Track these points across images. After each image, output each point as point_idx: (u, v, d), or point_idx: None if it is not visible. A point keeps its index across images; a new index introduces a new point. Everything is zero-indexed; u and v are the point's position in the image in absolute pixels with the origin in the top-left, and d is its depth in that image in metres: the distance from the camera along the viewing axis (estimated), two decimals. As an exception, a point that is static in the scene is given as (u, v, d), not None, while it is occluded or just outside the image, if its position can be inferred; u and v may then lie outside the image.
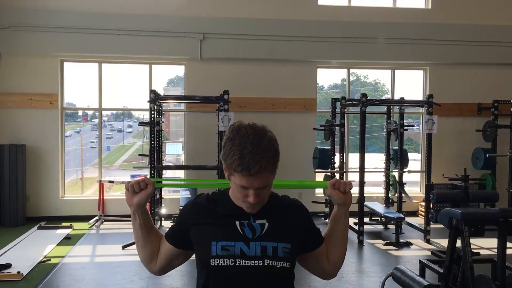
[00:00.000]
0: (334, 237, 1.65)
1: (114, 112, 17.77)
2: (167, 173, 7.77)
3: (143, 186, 1.55)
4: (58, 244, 6.13)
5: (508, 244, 3.78)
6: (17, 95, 7.54)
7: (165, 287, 4.72)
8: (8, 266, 5.04)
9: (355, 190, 6.51)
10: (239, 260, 1.46)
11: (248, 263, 1.46)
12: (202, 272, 1.53)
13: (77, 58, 7.93)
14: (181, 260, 1.66)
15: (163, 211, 7.38)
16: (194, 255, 1.61)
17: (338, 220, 1.64)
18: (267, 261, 1.47)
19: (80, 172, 13.41)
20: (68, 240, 6.36)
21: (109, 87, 8.51)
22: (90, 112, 11.51)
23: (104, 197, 7.75)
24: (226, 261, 1.46)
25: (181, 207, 7.11)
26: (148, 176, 1.59)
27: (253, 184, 1.42)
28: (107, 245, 6.37)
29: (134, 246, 5.99)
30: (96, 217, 7.47)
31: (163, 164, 7.61)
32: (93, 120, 15.00)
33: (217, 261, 1.46)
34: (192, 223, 1.56)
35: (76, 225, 7.16)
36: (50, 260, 5.46)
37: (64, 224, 7.20)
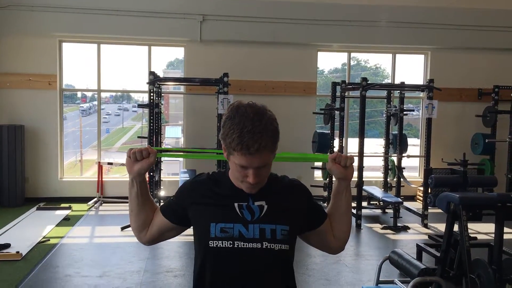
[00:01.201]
0: (337, 212, 1.65)
1: (113, 94, 17.67)
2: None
3: (145, 154, 1.54)
4: (57, 225, 6.16)
5: (505, 229, 3.80)
6: (15, 75, 7.49)
7: (164, 268, 4.75)
8: (7, 246, 5.06)
9: (354, 175, 6.52)
10: (238, 242, 1.46)
11: (246, 245, 1.46)
12: (200, 252, 1.53)
13: (75, 39, 7.87)
14: (173, 234, 1.66)
15: (162, 193, 7.39)
16: (189, 236, 1.61)
17: (340, 195, 1.63)
18: (265, 244, 1.46)
19: (79, 154, 13.41)
20: (67, 221, 6.39)
21: (108, 69, 8.46)
22: (89, 94, 11.44)
23: (103, 179, 7.76)
24: (225, 243, 1.46)
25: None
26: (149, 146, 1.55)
27: (252, 163, 1.41)
28: (106, 226, 6.40)
29: (130, 222, 6.02)
30: (95, 199, 7.49)
31: (163, 147, 7.60)
32: (81, 106, 14.87)
33: (215, 242, 1.46)
34: (192, 201, 1.56)
35: (75, 206, 7.18)
36: (49, 240, 5.48)
37: (63, 205, 7.23)
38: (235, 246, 1.46)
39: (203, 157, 1.43)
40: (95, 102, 14.86)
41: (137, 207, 1.61)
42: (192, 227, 1.59)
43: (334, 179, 1.65)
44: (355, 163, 1.69)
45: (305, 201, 1.60)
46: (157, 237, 1.66)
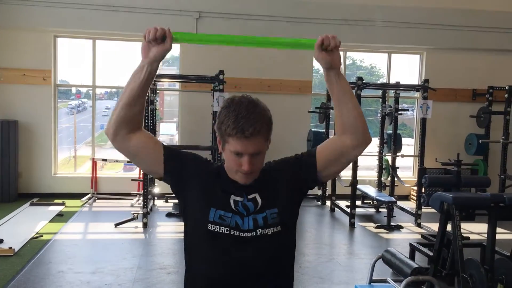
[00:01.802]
0: (339, 100, 1.55)
1: (108, 90, 17.61)
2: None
3: (159, 35, 1.46)
4: (50, 221, 6.13)
5: (498, 229, 3.82)
6: (9, 70, 7.45)
7: (157, 265, 4.75)
8: (0, 241, 5.04)
9: (348, 174, 6.54)
10: (234, 231, 1.49)
11: (242, 234, 1.49)
12: (197, 235, 1.53)
13: (70, 34, 7.83)
14: (148, 168, 1.59)
15: (156, 190, 7.38)
16: (183, 233, 1.61)
17: (333, 84, 1.54)
18: (259, 231, 1.50)
19: (73, 150, 13.34)
20: (61, 217, 6.36)
21: (103, 65, 8.42)
22: (84, 90, 11.38)
23: (97, 175, 7.74)
24: (222, 228, 1.49)
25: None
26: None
27: (247, 148, 1.43)
28: (99, 222, 6.38)
29: (127, 225, 6.02)
30: (89, 195, 7.46)
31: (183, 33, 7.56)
32: (69, 103, 14.71)
33: (213, 226, 1.49)
34: (200, 175, 1.55)
35: (69, 202, 7.15)
36: (42, 236, 5.46)
37: (56, 201, 7.20)
38: (231, 233, 1.49)
39: (226, 43, 1.32)
40: (84, 99, 14.68)
41: (134, 95, 1.48)
42: (181, 199, 1.56)
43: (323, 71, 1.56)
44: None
45: (287, 167, 1.59)
46: (131, 151, 1.53)
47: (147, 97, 6.38)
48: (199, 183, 1.54)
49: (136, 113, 1.50)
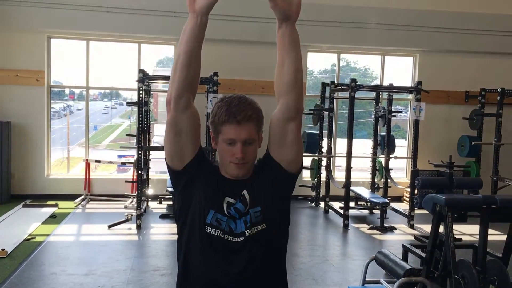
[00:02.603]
0: (285, 49, 1.52)
1: (102, 91, 17.56)
2: (154, 154, 7.73)
3: None
4: (43, 223, 6.10)
5: (490, 231, 3.85)
6: (3, 71, 7.41)
7: (151, 266, 4.74)
8: (-8, 243, 5.01)
9: (341, 175, 6.56)
10: (227, 236, 1.52)
11: (234, 239, 1.52)
12: (191, 233, 1.54)
13: (64, 35, 7.80)
14: (179, 145, 1.51)
15: (150, 192, 7.37)
16: (176, 235, 1.62)
17: (284, 36, 1.50)
18: (248, 232, 1.52)
19: (67, 151, 13.29)
20: (54, 219, 6.33)
21: (97, 66, 8.40)
22: (77, 91, 11.34)
23: (91, 177, 7.71)
24: (218, 232, 1.51)
25: (168, 187, 7.03)
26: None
27: (240, 134, 1.47)
28: (92, 224, 6.36)
29: (120, 226, 6.01)
30: (82, 196, 7.44)
31: (151, 145, 7.57)
32: (52, 107, 14.54)
33: (209, 229, 1.51)
34: (207, 174, 1.56)
35: (62, 203, 7.12)
36: (35, 238, 5.43)
37: (49, 202, 7.16)
38: (225, 238, 1.51)
39: None
40: (70, 103, 14.45)
41: (189, 52, 1.42)
42: (183, 197, 1.56)
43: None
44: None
45: (264, 163, 1.59)
46: (184, 123, 1.49)
47: (141, 98, 6.37)
48: (204, 185, 1.56)
49: (195, 74, 1.46)
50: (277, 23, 1.47)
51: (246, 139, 1.49)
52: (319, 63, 10.64)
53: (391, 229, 6.39)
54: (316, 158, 7.65)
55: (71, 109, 15.06)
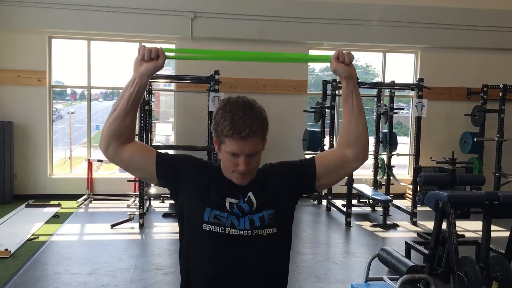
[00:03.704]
0: (352, 112, 1.59)
1: (103, 91, 17.57)
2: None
3: (153, 55, 1.49)
4: (46, 222, 6.11)
5: (493, 227, 3.84)
6: (4, 71, 7.42)
7: (154, 265, 4.75)
8: (-5, 243, 5.03)
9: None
10: (229, 229, 1.50)
11: (237, 232, 1.50)
12: (192, 235, 1.54)
13: (65, 35, 7.80)
14: (141, 175, 1.61)
15: (152, 191, 7.38)
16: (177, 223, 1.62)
17: (349, 98, 1.59)
18: (255, 231, 1.51)
19: (69, 151, 13.31)
20: (56, 218, 6.35)
21: (98, 65, 8.40)
22: (79, 91, 11.36)
23: (93, 176, 7.72)
24: (217, 228, 1.50)
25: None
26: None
27: (243, 149, 1.45)
28: (95, 223, 6.37)
29: (123, 226, 6.02)
30: (85, 196, 7.45)
31: (153, 144, 7.58)
32: (59, 109, 14.52)
33: (208, 226, 1.50)
34: (197, 175, 1.55)
35: (65, 203, 7.13)
36: (38, 238, 5.45)
37: (52, 202, 7.17)
38: (226, 232, 1.49)
39: (217, 58, 1.35)
40: (60, 106, 14.33)
41: (124, 108, 1.50)
42: (177, 200, 1.57)
43: (339, 80, 1.61)
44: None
45: (288, 170, 1.60)
46: (124, 162, 1.56)
47: (142, 98, 6.38)
48: (193, 183, 1.55)
49: (127, 126, 1.52)
50: (342, 82, 1.59)
51: (250, 153, 1.47)
52: (320, 61, 10.62)
53: (394, 226, 6.38)
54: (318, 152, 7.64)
55: (60, 113, 15.01)
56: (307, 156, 1.69)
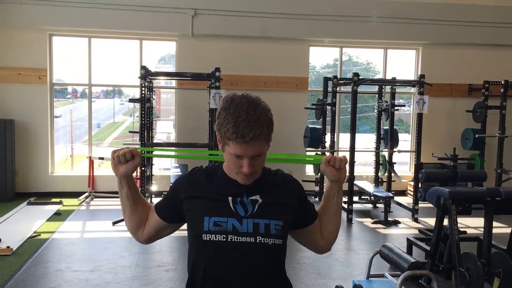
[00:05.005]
0: (327, 213, 1.66)
1: (104, 88, 17.59)
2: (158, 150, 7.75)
3: (128, 157, 1.53)
4: (48, 220, 6.12)
5: (494, 223, 3.84)
6: (5, 69, 7.42)
7: (155, 262, 4.75)
8: (-3, 241, 5.04)
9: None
10: (231, 236, 1.47)
11: (240, 239, 1.47)
12: (193, 245, 1.54)
13: (66, 33, 7.80)
14: (170, 231, 1.67)
15: (154, 188, 7.38)
16: (181, 231, 1.62)
17: (331, 197, 1.64)
18: (259, 238, 1.47)
19: (70, 149, 13.33)
20: (58, 216, 6.36)
21: (99, 63, 8.40)
22: (80, 89, 11.36)
23: (94, 174, 7.73)
24: (218, 236, 1.46)
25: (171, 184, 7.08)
26: (138, 146, 1.54)
27: (247, 152, 1.42)
28: (97, 221, 6.38)
29: (124, 223, 6.00)
30: (86, 193, 7.46)
31: (154, 142, 7.58)
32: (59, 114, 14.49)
33: (209, 236, 1.47)
34: (186, 196, 1.55)
35: (66, 201, 7.14)
36: (39, 235, 5.46)
37: (53, 200, 7.19)
38: (229, 239, 1.46)
39: (192, 157, 1.43)
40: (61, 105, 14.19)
41: (129, 208, 1.61)
42: (186, 221, 1.58)
43: (326, 180, 1.67)
44: (347, 158, 1.69)
45: (297, 199, 1.61)
46: (154, 236, 1.66)
47: (143, 95, 6.38)
48: (187, 200, 1.55)
49: (141, 216, 1.63)
50: (328, 184, 1.65)
51: (254, 155, 1.44)
52: (321, 58, 10.63)
53: (395, 223, 6.38)
54: (319, 153, 7.64)
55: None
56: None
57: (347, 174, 1.63)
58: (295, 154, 1.51)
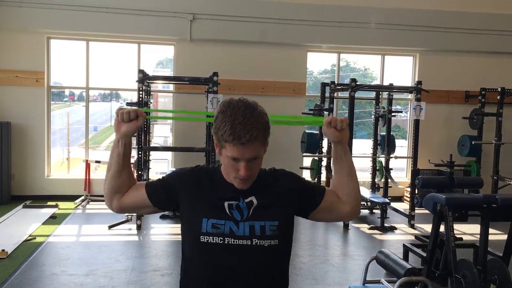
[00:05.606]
0: (341, 176, 1.62)
1: (102, 92, 17.55)
2: (154, 154, 7.73)
3: (133, 116, 1.54)
4: (44, 223, 6.10)
5: (490, 230, 3.84)
6: (2, 71, 7.41)
7: (151, 267, 4.74)
8: (-8, 244, 5.01)
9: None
10: (228, 238, 1.48)
11: (236, 242, 1.48)
12: (190, 246, 1.54)
13: (64, 36, 7.80)
14: (146, 211, 1.67)
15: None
16: (177, 236, 1.61)
17: (339, 159, 1.61)
18: (255, 241, 1.49)
19: (67, 152, 13.28)
20: (54, 219, 6.33)
21: (97, 67, 8.39)
22: (77, 92, 11.35)
23: (91, 177, 7.70)
24: (216, 238, 1.48)
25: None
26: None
27: (244, 154, 1.43)
28: (93, 224, 6.35)
29: (120, 227, 6.00)
30: (82, 197, 7.43)
31: (151, 145, 7.57)
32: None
33: (206, 237, 1.48)
34: (188, 188, 1.56)
35: (62, 204, 7.12)
36: (35, 238, 5.43)
37: (49, 203, 7.16)
38: (225, 242, 1.48)
39: (192, 119, 1.43)
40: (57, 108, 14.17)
41: (117, 167, 1.58)
42: (178, 215, 1.60)
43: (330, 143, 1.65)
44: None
45: (296, 186, 1.60)
46: (129, 209, 1.66)
47: (141, 99, 6.37)
48: (187, 196, 1.55)
49: (124, 181, 1.60)
50: (332, 146, 1.63)
51: (250, 158, 1.45)
52: (319, 63, 10.64)
53: (392, 228, 6.38)
54: (316, 158, 7.65)
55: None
56: (309, 174, 1.70)
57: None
58: (297, 116, 1.51)
